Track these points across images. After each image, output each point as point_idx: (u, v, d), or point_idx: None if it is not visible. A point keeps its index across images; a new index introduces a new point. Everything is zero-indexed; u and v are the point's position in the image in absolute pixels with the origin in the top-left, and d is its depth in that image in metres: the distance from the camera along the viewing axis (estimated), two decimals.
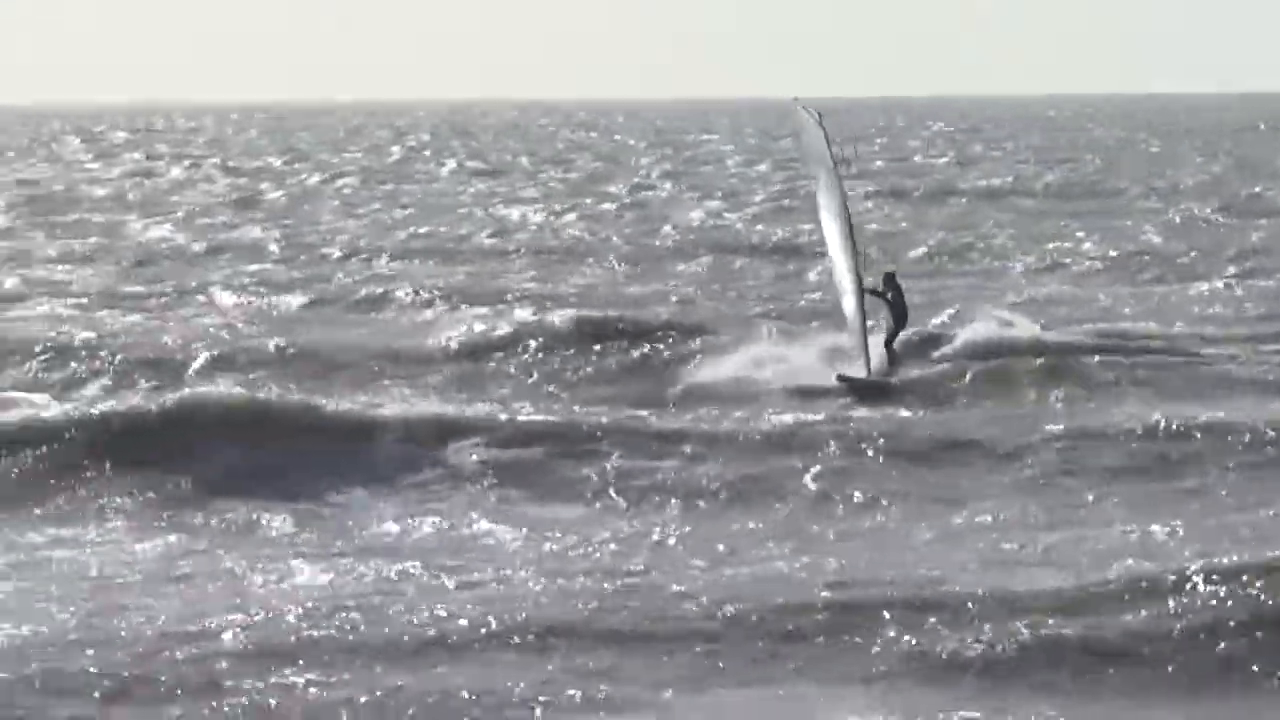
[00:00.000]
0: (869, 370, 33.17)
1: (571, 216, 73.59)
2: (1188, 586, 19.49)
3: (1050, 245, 59.27)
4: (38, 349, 36.65)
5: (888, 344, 33.93)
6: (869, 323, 33.77)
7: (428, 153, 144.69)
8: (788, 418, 29.55)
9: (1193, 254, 55.90)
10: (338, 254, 59.24)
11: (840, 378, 32.90)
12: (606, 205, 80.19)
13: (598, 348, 36.63)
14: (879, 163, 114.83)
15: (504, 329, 37.88)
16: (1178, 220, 68.89)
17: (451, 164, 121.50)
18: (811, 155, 34.96)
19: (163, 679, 17.46)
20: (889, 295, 33.98)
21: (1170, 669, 18.27)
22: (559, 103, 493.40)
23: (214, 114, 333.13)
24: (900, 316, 34.09)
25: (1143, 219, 69.21)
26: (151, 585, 21.01)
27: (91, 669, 17.66)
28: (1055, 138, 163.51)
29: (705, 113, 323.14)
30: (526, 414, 29.93)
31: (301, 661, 17.96)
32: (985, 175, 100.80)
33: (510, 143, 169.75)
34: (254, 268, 55.19)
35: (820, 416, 29.70)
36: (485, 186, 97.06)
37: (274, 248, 61.62)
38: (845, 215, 33.73)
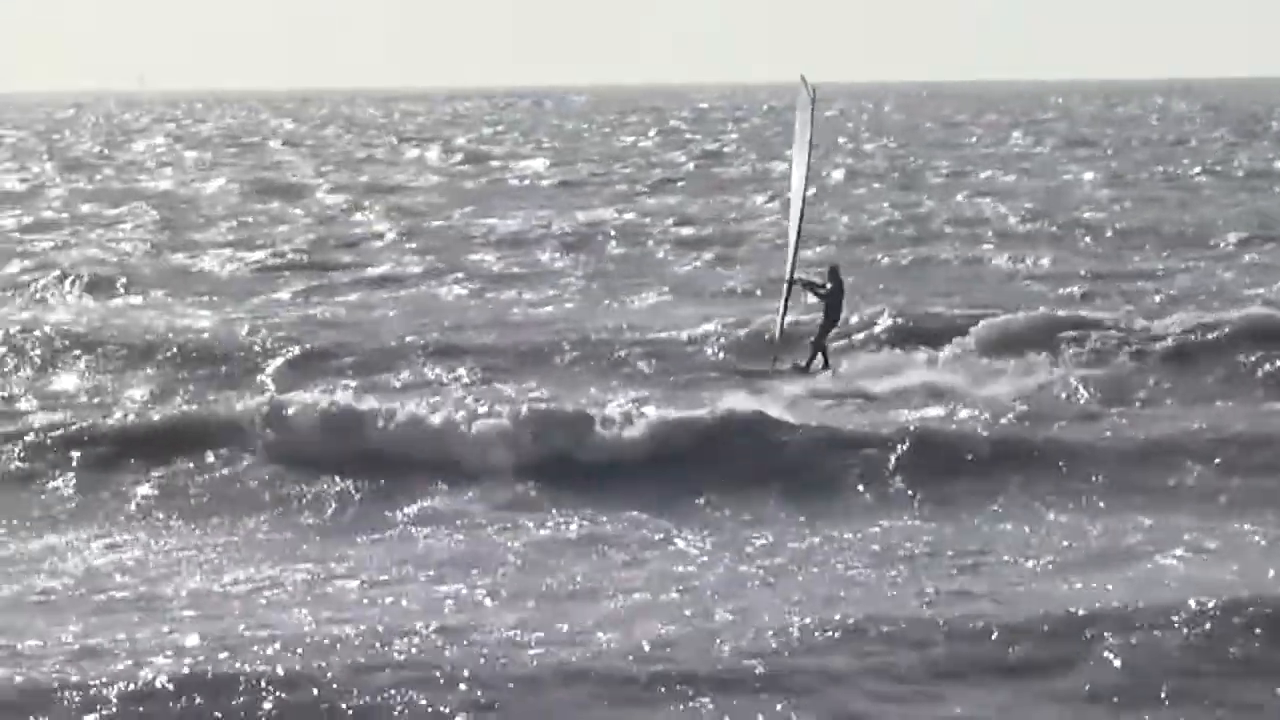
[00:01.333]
0: (774, 364, 32.31)
1: (751, 202, 72.10)
2: None
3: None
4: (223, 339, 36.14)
5: (817, 340, 32.38)
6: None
7: (659, 136, 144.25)
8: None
9: None
10: (499, 237, 58.72)
11: (739, 372, 32.56)
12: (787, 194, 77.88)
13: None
14: (1129, 143, 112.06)
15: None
16: None
17: (677, 154, 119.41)
18: (798, 131, 33.73)
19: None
20: (826, 287, 32.42)
21: None
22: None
23: (450, 98, 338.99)
24: (833, 311, 32.44)
25: None
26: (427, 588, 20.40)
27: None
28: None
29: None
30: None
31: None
32: (1219, 158, 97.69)
33: (729, 126, 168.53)
34: (428, 255, 54.15)
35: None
36: (702, 167, 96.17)
37: (472, 234, 60.75)
38: (802, 198, 32.98)
